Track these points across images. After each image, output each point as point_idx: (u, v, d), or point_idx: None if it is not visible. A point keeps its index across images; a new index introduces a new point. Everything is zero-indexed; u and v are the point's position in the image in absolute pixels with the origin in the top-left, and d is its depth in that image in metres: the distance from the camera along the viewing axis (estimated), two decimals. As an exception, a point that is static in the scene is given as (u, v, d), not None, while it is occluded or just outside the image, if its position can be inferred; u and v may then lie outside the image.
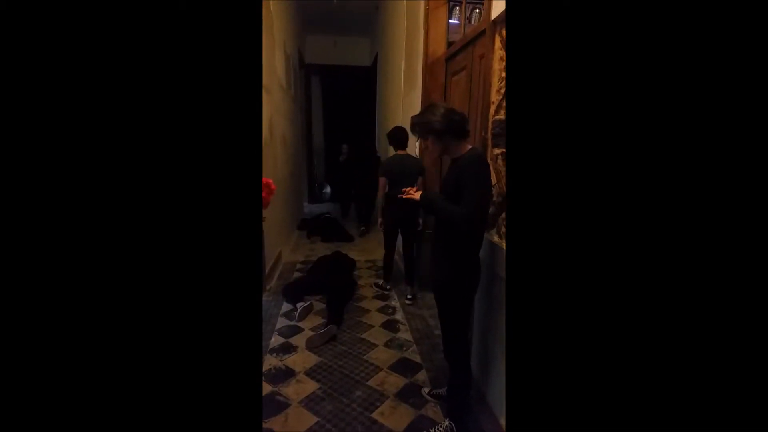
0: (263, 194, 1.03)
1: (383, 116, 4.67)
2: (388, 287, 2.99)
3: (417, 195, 1.45)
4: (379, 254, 3.47)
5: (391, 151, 2.80)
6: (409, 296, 2.81)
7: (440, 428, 1.51)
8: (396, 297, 2.88)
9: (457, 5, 2.76)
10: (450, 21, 2.73)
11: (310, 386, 1.80)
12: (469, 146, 1.38)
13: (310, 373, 1.90)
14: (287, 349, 2.13)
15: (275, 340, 2.21)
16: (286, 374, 1.89)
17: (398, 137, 2.69)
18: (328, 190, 7.19)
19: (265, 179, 1.09)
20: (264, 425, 1.55)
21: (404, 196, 1.50)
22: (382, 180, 2.71)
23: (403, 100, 3.34)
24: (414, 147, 2.90)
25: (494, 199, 1.51)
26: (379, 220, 2.85)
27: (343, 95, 6.89)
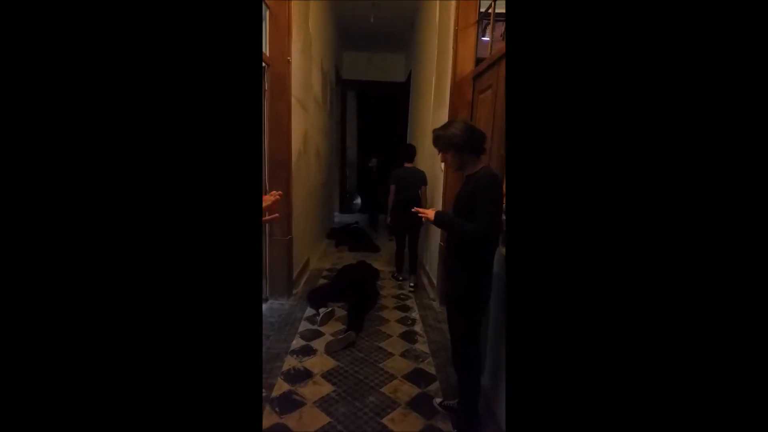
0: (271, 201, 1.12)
1: (414, 131, 4.77)
2: (401, 278, 3.52)
3: (431, 215, 1.46)
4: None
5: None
6: (411, 284, 3.34)
7: (448, 439, 1.54)
8: (417, 309, 2.92)
9: (497, 21, 2.82)
10: (483, 38, 2.80)
11: (326, 388, 1.87)
12: (482, 164, 1.43)
13: (327, 376, 1.98)
14: (307, 351, 2.22)
15: (296, 342, 2.31)
16: (304, 375, 1.98)
17: (408, 152, 3.40)
18: (358, 201, 7.35)
19: (278, 193, 1.17)
20: (279, 421, 1.64)
21: (420, 214, 1.54)
22: (392, 187, 3.32)
23: (433, 116, 3.42)
24: (427, 160, 3.10)
25: (509, 215, 1.54)
26: (388, 219, 3.46)
27: (378, 110, 7.08)
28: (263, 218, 1.09)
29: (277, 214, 1.25)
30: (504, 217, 1.54)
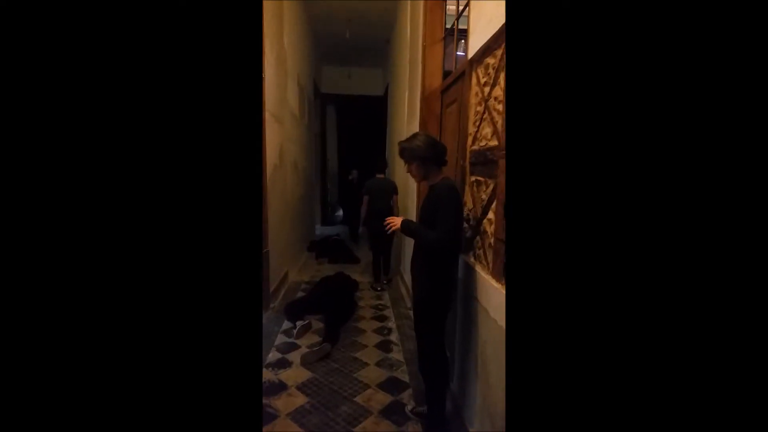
0: None
1: (391, 143, 4.86)
2: (378, 288, 3.60)
3: (398, 223, 1.55)
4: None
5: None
6: (384, 281, 3.67)
7: (417, 444, 1.56)
8: (393, 318, 2.95)
9: (462, 38, 2.95)
10: (458, 53, 2.92)
11: (300, 400, 1.88)
12: (443, 175, 1.50)
13: (301, 388, 1.98)
14: (283, 364, 2.22)
15: (272, 356, 2.31)
16: (278, 387, 1.98)
17: (378, 164, 3.66)
18: (340, 213, 7.38)
19: None
20: (251, 434, 1.64)
21: (389, 227, 1.60)
22: (365, 198, 3.53)
23: (407, 128, 3.51)
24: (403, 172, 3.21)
25: (470, 223, 1.61)
26: (361, 228, 3.85)
27: (357, 123, 7.18)
28: None
29: None
30: (465, 225, 1.61)
